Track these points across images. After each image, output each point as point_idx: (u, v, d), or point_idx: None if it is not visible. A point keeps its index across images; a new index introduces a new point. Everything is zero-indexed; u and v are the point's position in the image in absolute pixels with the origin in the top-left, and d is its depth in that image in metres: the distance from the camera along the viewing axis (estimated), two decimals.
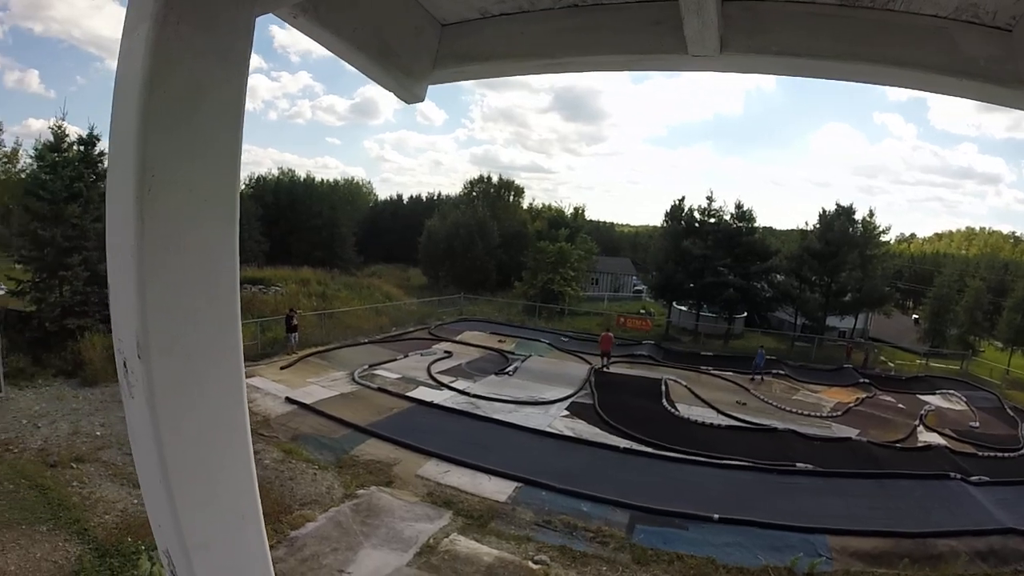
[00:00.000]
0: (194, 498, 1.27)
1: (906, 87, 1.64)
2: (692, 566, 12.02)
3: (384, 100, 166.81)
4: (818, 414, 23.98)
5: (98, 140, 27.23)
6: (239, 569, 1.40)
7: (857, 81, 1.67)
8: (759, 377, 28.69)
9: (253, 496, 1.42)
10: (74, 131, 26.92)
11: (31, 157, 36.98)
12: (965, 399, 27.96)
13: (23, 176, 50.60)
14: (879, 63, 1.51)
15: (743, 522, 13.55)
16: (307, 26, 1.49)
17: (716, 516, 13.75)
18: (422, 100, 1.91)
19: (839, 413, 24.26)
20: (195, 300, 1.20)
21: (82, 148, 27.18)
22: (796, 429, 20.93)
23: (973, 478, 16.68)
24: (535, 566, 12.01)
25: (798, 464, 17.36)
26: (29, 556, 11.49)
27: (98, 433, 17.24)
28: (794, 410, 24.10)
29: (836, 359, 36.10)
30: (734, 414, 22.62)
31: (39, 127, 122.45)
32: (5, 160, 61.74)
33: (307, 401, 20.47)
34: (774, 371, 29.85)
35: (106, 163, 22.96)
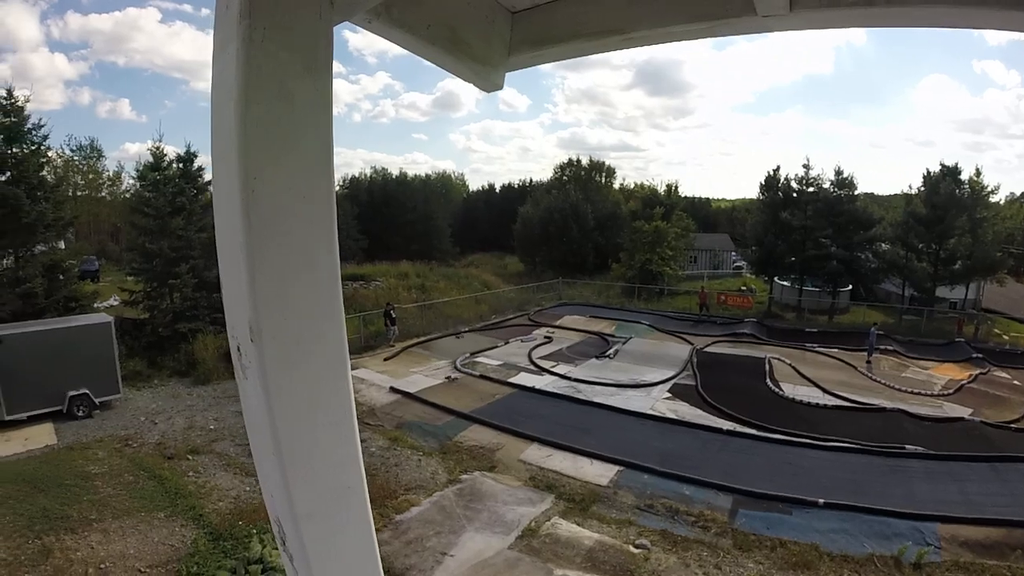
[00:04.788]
0: (302, 469, 1.35)
1: (994, 28, 1.53)
2: (795, 553, 11.85)
3: (465, 92, 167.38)
4: (929, 392, 22.90)
5: (195, 156, 29.03)
6: (343, 537, 1.48)
7: (935, 26, 1.57)
8: (874, 356, 27.59)
9: (357, 468, 1.49)
10: (171, 150, 28.51)
11: (132, 178, 39.19)
12: None
13: (127, 196, 54.68)
14: (959, 4, 1.43)
15: (849, 507, 13.20)
16: (382, 28, 1.56)
17: (821, 501, 13.47)
18: (501, 88, 1.95)
19: (951, 391, 23.09)
20: (299, 288, 1.30)
21: (181, 165, 28.81)
22: (906, 409, 20.11)
23: None
24: (636, 550, 12.12)
25: (908, 446, 16.74)
26: (148, 540, 12.38)
27: (212, 427, 18.24)
28: (903, 388, 23.13)
29: (947, 332, 34.34)
30: (841, 393, 21.97)
31: (136, 150, 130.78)
32: (110, 183, 67.53)
33: (411, 390, 21.07)
34: (882, 347, 28.70)
35: (206, 177, 24.38)
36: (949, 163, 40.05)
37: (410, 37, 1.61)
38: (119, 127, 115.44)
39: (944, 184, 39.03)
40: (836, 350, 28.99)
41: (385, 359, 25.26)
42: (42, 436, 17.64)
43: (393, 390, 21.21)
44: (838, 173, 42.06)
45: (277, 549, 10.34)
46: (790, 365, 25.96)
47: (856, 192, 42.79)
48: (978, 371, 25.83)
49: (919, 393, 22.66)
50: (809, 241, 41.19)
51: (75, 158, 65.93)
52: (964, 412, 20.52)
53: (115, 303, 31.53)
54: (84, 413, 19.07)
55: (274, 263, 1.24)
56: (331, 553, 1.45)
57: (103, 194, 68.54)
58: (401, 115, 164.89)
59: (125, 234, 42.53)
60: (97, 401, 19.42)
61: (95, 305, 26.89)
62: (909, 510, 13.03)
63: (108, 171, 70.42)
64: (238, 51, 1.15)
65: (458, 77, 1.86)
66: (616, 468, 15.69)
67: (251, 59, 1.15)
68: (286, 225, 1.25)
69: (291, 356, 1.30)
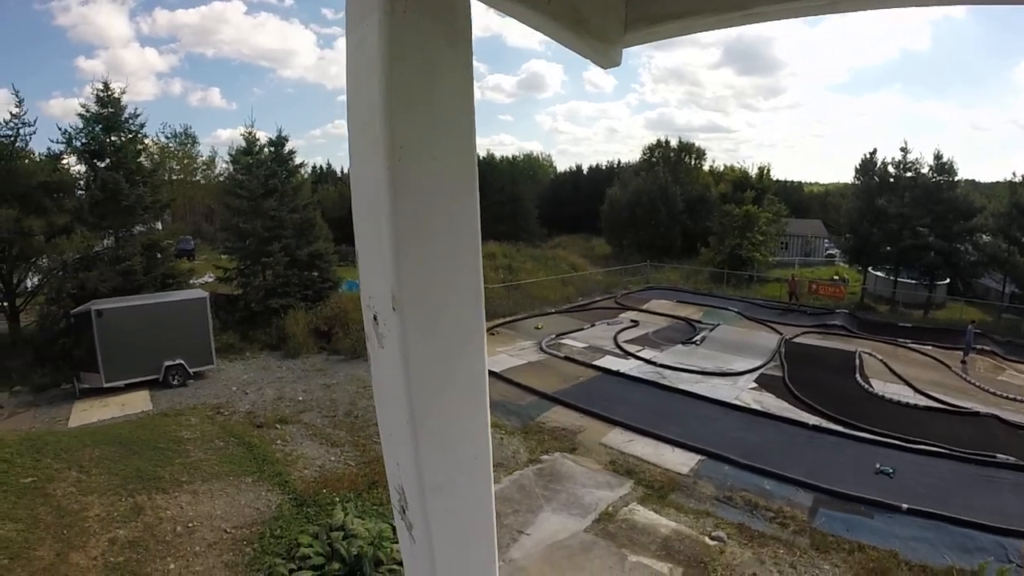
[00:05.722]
0: (436, 439, 1.36)
1: None
2: (873, 559, 11.67)
3: (550, 73, 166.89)
4: None
5: (286, 141, 30.58)
6: (466, 508, 1.50)
7: None
8: (970, 356, 26.43)
9: (486, 439, 1.49)
10: (262, 135, 29.94)
11: (226, 162, 41.18)
12: None
13: (221, 179, 58.50)
14: None
15: (933, 515, 12.97)
16: (504, 4, 1.52)
17: (904, 506, 13.27)
18: (618, 64, 1.90)
19: None
20: (442, 257, 1.30)
21: (272, 149, 30.38)
22: (1000, 415, 19.32)
23: None
24: (711, 542, 12.26)
25: (999, 455, 16.13)
26: (234, 503, 13.22)
27: (300, 398, 19.20)
28: (999, 392, 22.16)
29: None
30: (933, 393, 21.35)
31: (228, 136, 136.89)
32: (204, 167, 72.44)
33: (496, 369, 21.51)
34: (979, 347, 27.51)
35: (297, 160, 27.69)
36: None
37: (532, 13, 1.59)
38: (211, 114, 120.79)
39: None
40: (930, 347, 28.06)
41: None
42: (138, 402, 18.96)
43: None
44: (937, 158, 39.97)
45: (359, 518, 10.83)
46: (881, 361, 25.38)
47: (956, 178, 40.52)
48: None
49: (1015, 399, 21.66)
50: (906, 230, 39.33)
51: (170, 145, 70.27)
52: None
53: (210, 280, 33.49)
54: (179, 382, 20.50)
55: (418, 232, 1.25)
56: (453, 523, 1.48)
57: (198, 178, 72.86)
58: (487, 97, 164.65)
59: (219, 215, 44.68)
60: (191, 371, 20.87)
61: (191, 282, 28.66)
62: (994, 524, 12.68)
63: (202, 156, 75.23)
64: (380, 22, 1.15)
65: (578, 54, 1.82)
66: (698, 457, 15.86)
67: (394, 29, 1.16)
68: (431, 194, 1.27)
69: (431, 325, 1.32)
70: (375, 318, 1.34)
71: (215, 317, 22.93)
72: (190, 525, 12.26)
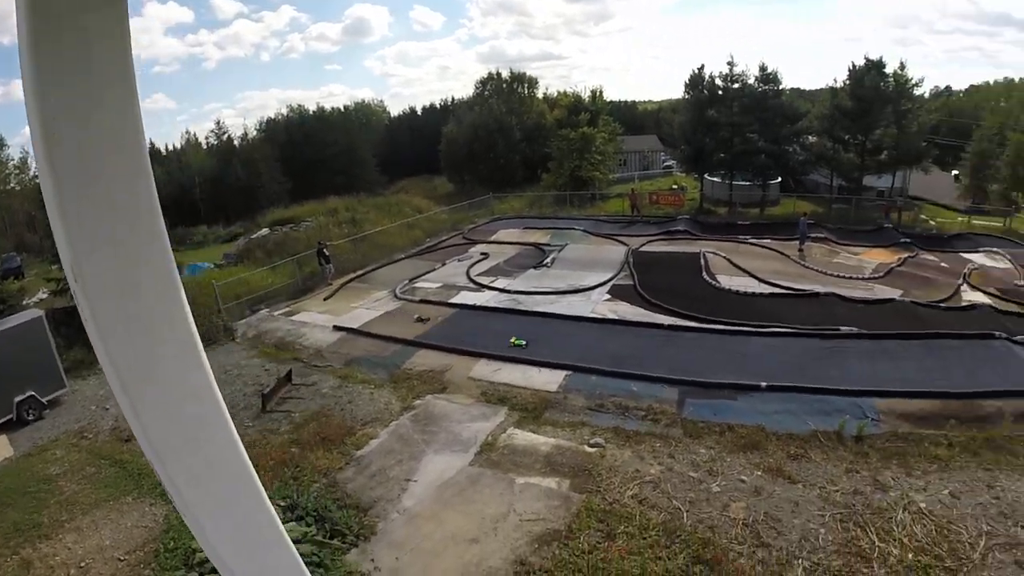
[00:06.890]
0: (152, 405, 1.30)
1: None
2: (743, 435, 12.26)
3: (375, 15, 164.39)
4: (860, 276, 23.55)
5: None
6: (214, 468, 1.43)
7: None
8: (806, 244, 27.97)
9: (212, 397, 1.40)
10: None
11: None
12: (1010, 257, 26.71)
13: (37, 181, 53.03)
14: None
15: (791, 388, 13.70)
16: None
17: (763, 384, 13.90)
18: None
19: (881, 274, 23.72)
20: (117, 222, 1.22)
21: None
22: (838, 292, 20.65)
23: (1019, 337, 15.87)
24: (591, 449, 12.48)
25: (842, 328, 17.17)
26: (121, 527, 12.34)
27: None
28: (835, 273, 23.72)
29: (875, 219, 35.05)
30: (776, 281, 22.48)
31: None
32: (17, 171, 65.19)
33: (354, 325, 20.93)
34: (813, 235, 29.17)
35: None
36: (874, 57, 40.20)
37: None
38: (15, 110, 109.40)
39: (869, 77, 39.15)
40: (768, 241, 29.61)
41: (325, 299, 24.91)
42: None
43: (337, 328, 21.01)
44: (763, 69, 42.13)
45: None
46: (725, 258, 26.45)
47: (781, 87, 42.93)
48: (906, 255, 26.57)
49: (851, 277, 23.23)
50: (737, 137, 41.44)
51: None
52: (895, 293, 21.17)
53: (44, 296, 30.80)
54: (34, 416, 18.46)
55: (86, 203, 1.16)
56: (206, 488, 1.41)
57: (12, 185, 65.67)
58: (311, 48, 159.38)
59: (40, 222, 41.43)
60: (45, 400, 18.86)
61: (24, 303, 26.08)
62: (847, 387, 13.53)
63: (13, 160, 67.14)
64: None
65: None
66: (564, 373, 15.96)
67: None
68: (94, 163, 1.16)
69: (117, 291, 1.24)
70: (72, 291, 1.20)
71: (56, 335, 20.88)
72: (82, 565, 11.32)
